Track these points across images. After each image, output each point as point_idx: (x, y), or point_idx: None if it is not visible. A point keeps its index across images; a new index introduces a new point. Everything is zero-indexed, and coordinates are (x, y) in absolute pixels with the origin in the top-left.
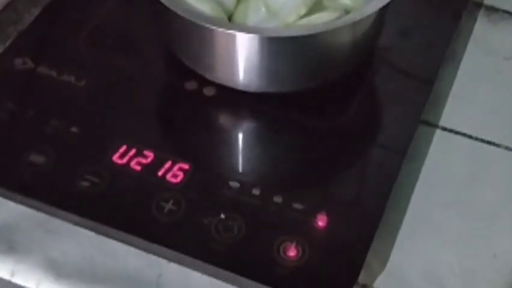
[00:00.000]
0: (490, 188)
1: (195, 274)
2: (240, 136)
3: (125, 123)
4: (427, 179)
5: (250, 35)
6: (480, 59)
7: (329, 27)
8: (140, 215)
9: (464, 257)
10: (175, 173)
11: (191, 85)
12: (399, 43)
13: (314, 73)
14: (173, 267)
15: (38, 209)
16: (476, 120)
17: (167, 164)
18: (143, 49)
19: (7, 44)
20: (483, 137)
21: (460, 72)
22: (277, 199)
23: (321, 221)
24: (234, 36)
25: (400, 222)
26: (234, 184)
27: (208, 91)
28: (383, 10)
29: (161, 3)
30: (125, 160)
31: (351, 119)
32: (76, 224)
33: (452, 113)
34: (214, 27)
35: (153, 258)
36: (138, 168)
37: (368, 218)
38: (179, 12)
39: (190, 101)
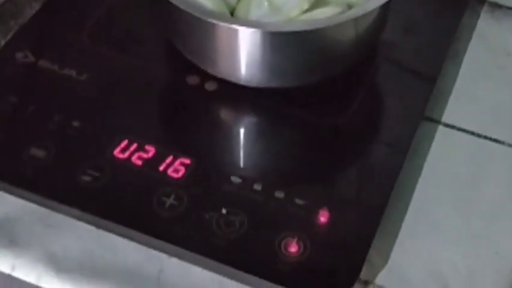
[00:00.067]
0: (492, 185)
1: (196, 269)
2: (242, 131)
3: (126, 118)
4: (429, 175)
5: (253, 30)
6: (483, 56)
7: (331, 22)
8: (141, 210)
9: (466, 255)
10: (176, 167)
11: (193, 80)
12: (402, 39)
13: (316, 68)
14: (174, 262)
15: (39, 204)
16: (479, 117)
17: (169, 159)
18: (145, 43)
19: (8, 37)
20: (486, 133)
21: (462, 69)
22: (279, 194)
23: (323, 217)
24: (236, 31)
25: (402, 218)
26: (236, 179)
27: (210, 86)
28: (386, 5)
29: None
30: (126, 155)
31: (353, 115)
32: (77, 218)
33: (454, 110)
34: (216, 22)
35: (154, 253)
36: (139, 162)
37: (370, 214)
38: (182, 7)
39: (191, 96)
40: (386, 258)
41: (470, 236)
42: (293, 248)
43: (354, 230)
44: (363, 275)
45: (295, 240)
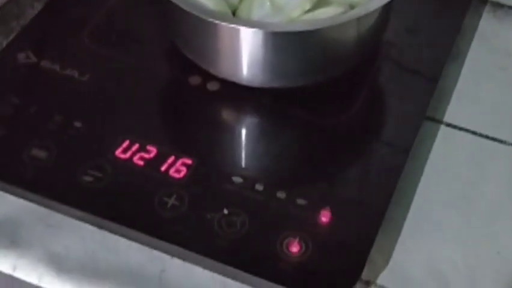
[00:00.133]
0: (494, 185)
1: (198, 269)
2: (244, 131)
3: (128, 118)
4: (431, 175)
5: (255, 30)
6: (485, 56)
7: (333, 22)
8: (143, 210)
9: (467, 254)
10: (178, 168)
11: (195, 80)
12: (404, 39)
13: (318, 68)
14: (176, 262)
15: (40, 204)
16: (481, 117)
17: (170, 159)
18: (147, 43)
19: (10, 38)
20: (487, 133)
21: (464, 69)
22: (281, 195)
23: (325, 217)
24: (238, 31)
25: (404, 218)
26: (237, 179)
27: (212, 86)
28: (388, 6)
29: None
30: (128, 155)
31: (355, 115)
32: (78, 218)
33: (456, 110)
34: (218, 22)
35: (156, 253)
36: (141, 163)
37: (371, 214)
38: (184, 7)
39: (193, 96)
40: (387, 258)
41: (471, 235)
42: (295, 248)
43: (356, 230)
44: (365, 275)
45: (296, 240)
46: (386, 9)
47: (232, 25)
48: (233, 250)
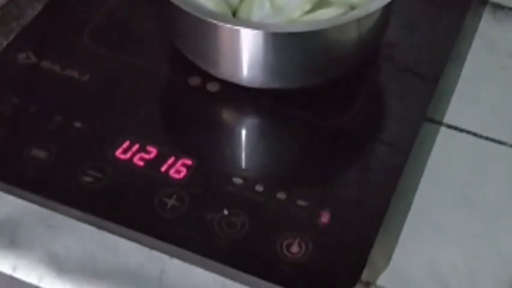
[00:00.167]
0: (494, 186)
1: (198, 270)
2: (244, 132)
3: (128, 119)
4: (431, 176)
5: (255, 31)
6: (485, 57)
7: (333, 23)
8: (143, 211)
9: (468, 256)
10: (178, 168)
11: (195, 81)
12: (404, 40)
13: (318, 69)
14: (176, 263)
15: (40, 204)
16: (481, 118)
17: (171, 160)
18: (147, 44)
19: (10, 38)
20: (488, 134)
21: (465, 70)
22: (281, 196)
23: (325, 218)
24: (238, 32)
25: (404, 219)
26: (237, 180)
27: (212, 87)
28: (389, 7)
29: None
30: (128, 155)
31: (355, 116)
32: (78, 219)
33: (456, 111)
34: (218, 23)
35: (155, 254)
36: (141, 163)
37: (371, 215)
38: (184, 7)
39: (193, 97)
40: (387, 259)
41: (472, 237)
42: (295, 249)
43: (356, 231)
44: (365, 276)
45: (297, 241)
46: (386, 10)
47: (232, 26)
48: (233, 251)
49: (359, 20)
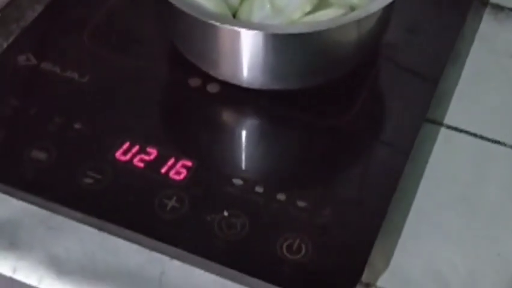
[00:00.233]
0: (494, 187)
1: (198, 271)
2: (244, 133)
3: (128, 120)
4: (431, 177)
5: (255, 32)
6: (485, 57)
7: (334, 25)
8: (143, 212)
9: (468, 256)
10: (178, 170)
11: (195, 82)
12: (405, 41)
13: (319, 70)
14: (176, 264)
15: (40, 206)
16: (481, 119)
17: (171, 161)
18: (147, 45)
19: (10, 40)
20: (488, 135)
21: (465, 71)
22: (281, 197)
23: (325, 219)
24: (238, 33)
25: (404, 220)
26: (237, 181)
27: (212, 88)
28: (389, 8)
29: (166, 0)
30: (128, 157)
31: (355, 117)
32: (78, 220)
33: (457, 111)
34: (218, 24)
35: (156, 255)
36: (141, 165)
37: (371, 217)
38: (184, 9)
39: (193, 98)
40: (387, 260)
41: (472, 237)
42: (295, 250)
43: (356, 232)
44: (365, 277)
45: (297, 242)
46: (386, 11)
47: (233, 27)
48: (233, 252)
49: (359, 21)
